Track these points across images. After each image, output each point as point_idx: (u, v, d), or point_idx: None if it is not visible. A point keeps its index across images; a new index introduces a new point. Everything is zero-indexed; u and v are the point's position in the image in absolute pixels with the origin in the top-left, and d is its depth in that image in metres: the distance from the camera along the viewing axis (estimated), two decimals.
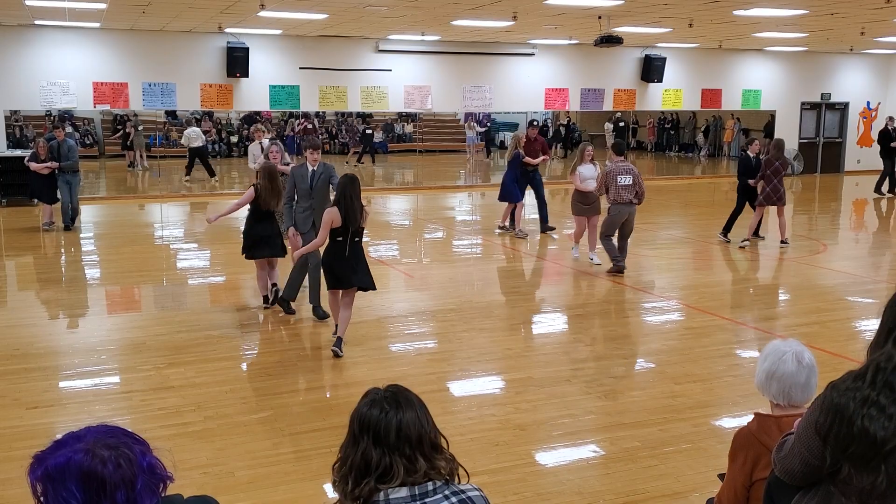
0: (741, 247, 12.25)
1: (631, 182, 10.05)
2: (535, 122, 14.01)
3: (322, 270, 7.31)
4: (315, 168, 8.06)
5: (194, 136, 21.06)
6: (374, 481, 2.08)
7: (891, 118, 19.68)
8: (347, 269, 6.96)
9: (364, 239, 7.21)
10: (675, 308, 9.08)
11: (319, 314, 8.13)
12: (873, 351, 2.25)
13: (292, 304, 8.33)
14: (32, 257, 11.57)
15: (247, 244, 8.41)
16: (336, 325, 7.26)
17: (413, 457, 2.09)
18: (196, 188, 20.21)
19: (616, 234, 10.31)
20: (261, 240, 8.33)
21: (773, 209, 12.26)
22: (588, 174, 10.90)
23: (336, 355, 7.01)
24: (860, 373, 2.18)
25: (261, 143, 14.00)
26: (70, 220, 13.29)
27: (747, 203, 12.59)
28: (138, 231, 14.97)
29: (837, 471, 2.15)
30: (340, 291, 7.15)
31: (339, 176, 7.50)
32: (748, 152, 12.58)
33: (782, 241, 12.19)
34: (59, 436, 1.88)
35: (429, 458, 2.12)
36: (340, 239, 6.91)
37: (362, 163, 25.97)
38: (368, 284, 7.15)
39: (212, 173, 21.11)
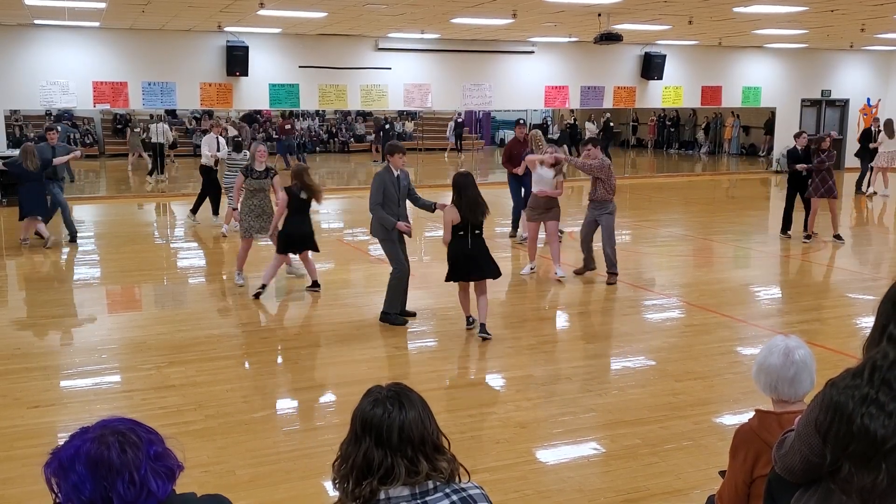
0: (805, 240, 12.56)
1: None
2: (521, 121, 13.00)
3: (448, 264, 7.64)
4: (399, 172, 7.93)
5: (160, 133, 21.38)
6: (377, 482, 2.07)
7: (876, 119, 19.77)
8: (471, 263, 7.47)
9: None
10: (675, 305, 9.08)
11: (399, 321, 8.00)
12: (869, 348, 2.25)
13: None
14: (33, 257, 11.57)
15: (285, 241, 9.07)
16: (467, 317, 7.80)
17: (415, 458, 2.08)
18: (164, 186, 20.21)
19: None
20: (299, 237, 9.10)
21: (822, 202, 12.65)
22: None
23: (485, 339, 7.45)
24: (858, 370, 2.18)
25: (217, 137, 13.94)
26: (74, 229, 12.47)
27: (798, 196, 12.82)
28: (139, 230, 14.97)
29: (838, 469, 2.15)
30: (471, 283, 7.66)
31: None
32: (796, 146, 12.99)
33: (835, 236, 12.63)
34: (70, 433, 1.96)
35: (430, 460, 2.11)
36: (462, 233, 7.41)
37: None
38: (493, 274, 7.61)
39: (160, 171, 21.26)
